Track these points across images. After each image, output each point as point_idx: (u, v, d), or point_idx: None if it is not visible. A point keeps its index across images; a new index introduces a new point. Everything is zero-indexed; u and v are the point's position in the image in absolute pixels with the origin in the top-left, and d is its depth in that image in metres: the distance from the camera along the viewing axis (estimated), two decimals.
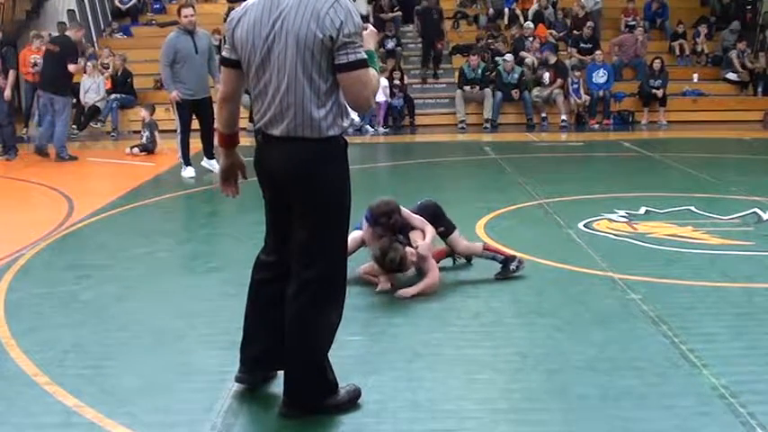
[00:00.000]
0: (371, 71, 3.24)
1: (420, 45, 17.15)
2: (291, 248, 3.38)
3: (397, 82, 15.14)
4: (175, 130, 10.14)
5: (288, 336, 3.38)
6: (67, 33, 12.18)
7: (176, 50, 9.57)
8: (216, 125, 3.67)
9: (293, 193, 3.33)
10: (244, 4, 3.33)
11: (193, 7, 9.87)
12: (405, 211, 5.34)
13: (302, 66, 3.17)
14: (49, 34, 15.08)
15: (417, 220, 5.38)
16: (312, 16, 3.14)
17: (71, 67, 11.56)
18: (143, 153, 12.00)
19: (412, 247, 5.20)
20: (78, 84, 14.41)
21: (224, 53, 3.42)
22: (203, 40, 9.72)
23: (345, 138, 3.38)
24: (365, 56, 3.21)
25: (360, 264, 5.36)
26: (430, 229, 5.34)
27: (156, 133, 12.27)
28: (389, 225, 5.20)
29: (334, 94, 3.24)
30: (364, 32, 3.28)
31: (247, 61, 3.28)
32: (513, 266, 5.38)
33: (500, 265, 5.40)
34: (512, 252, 5.54)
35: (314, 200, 3.30)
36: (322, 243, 3.32)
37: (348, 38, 3.14)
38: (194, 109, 9.76)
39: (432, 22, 16.79)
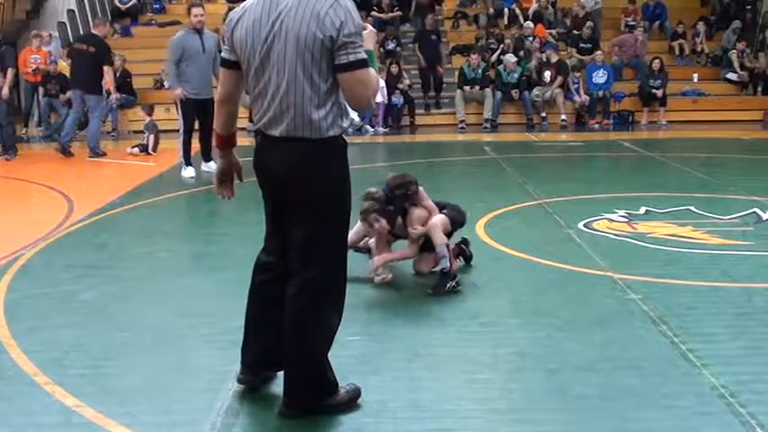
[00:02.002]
0: (371, 71, 3.24)
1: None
2: (291, 249, 3.38)
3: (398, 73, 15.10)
4: (175, 130, 10.14)
5: (288, 336, 3.38)
6: (95, 32, 12.31)
7: (184, 49, 9.62)
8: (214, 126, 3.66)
9: (293, 194, 3.33)
10: (243, 4, 3.32)
11: (203, 7, 9.95)
12: (421, 191, 5.36)
13: (302, 66, 3.17)
14: (50, 34, 15.13)
15: (429, 202, 5.37)
16: (312, 16, 3.13)
17: (107, 69, 11.82)
18: (143, 153, 11.99)
19: (405, 221, 5.26)
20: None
21: (223, 54, 3.42)
22: (210, 41, 9.77)
23: (345, 138, 3.39)
24: (365, 56, 3.20)
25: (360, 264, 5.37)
26: (438, 219, 5.29)
27: (158, 134, 12.26)
28: (405, 196, 5.24)
29: (334, 95, 3.24)
30: (364, 32, 3.28)
31: (247, 62, 3.28)
32: (449, 285, 5.08)
33: (440, 276, 5.16)
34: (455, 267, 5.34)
35: (314, 200, 3.30)
36: (322, 243, 3.32)
37: (348, 38, 3.14)
38: (197, 109, 9.77)
39: (431, 46, 16.06)
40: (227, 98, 3.47)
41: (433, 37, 16.32)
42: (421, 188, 5.38)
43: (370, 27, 3.45)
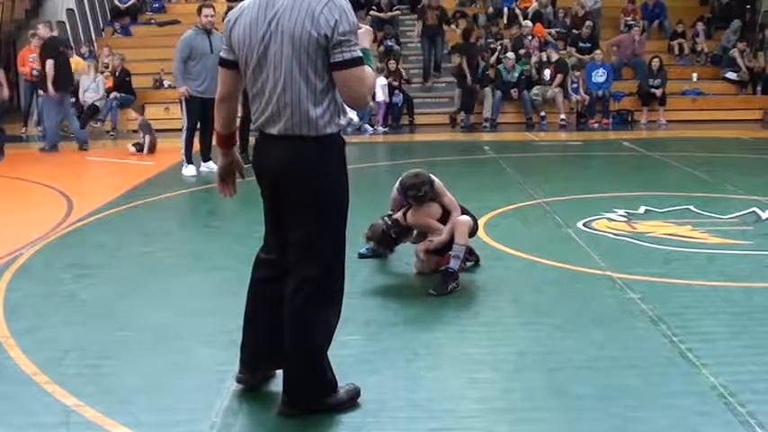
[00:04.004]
0: (367, 69, 3.25)
1: (419, 44, 17.13)
2: (290, 247, 3.38)
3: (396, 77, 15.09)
4: (173, 129, 10.15)
5: (287, 334, 3.38)
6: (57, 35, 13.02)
7: (192, 48, 9.68)
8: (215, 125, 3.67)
9: (291, 192, 3.33)
10: (240, 4, 3.34)
11: (214, 8, 9.99)
12: (438, 184, 5.37)
13: (298, 65, 3.19)
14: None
15: (449, 199, 5.38)
16: (307, 15, 3.15)
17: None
18: (139, 152, 11.97)
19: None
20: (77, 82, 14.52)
21: (222, 54, 3.44)
22: (218, 41, 9.78)
23: (343, 136, 3.39)
24: (360, 54, 3.22)
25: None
26: (466, 219, 5.30)
27: (153, 133, 12.24)
28: (418, 198, 5.27)
29: (330, 93, 3.26)
30: (359, 31, 3.29)
31: (244, 61, 3.30)
32: (451, 286, 5.07)
33: (443, 275, 5.12)
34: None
35: (312, 198, 3.31)
36: (320, 242, 3.33)
37: (343, 36, 3.15)
38: (201, 108, 9.77)
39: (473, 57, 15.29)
40: (226, 97, 3.49)
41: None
42: (440, 183, 5.39)
43: (366, 26, 3.46)
